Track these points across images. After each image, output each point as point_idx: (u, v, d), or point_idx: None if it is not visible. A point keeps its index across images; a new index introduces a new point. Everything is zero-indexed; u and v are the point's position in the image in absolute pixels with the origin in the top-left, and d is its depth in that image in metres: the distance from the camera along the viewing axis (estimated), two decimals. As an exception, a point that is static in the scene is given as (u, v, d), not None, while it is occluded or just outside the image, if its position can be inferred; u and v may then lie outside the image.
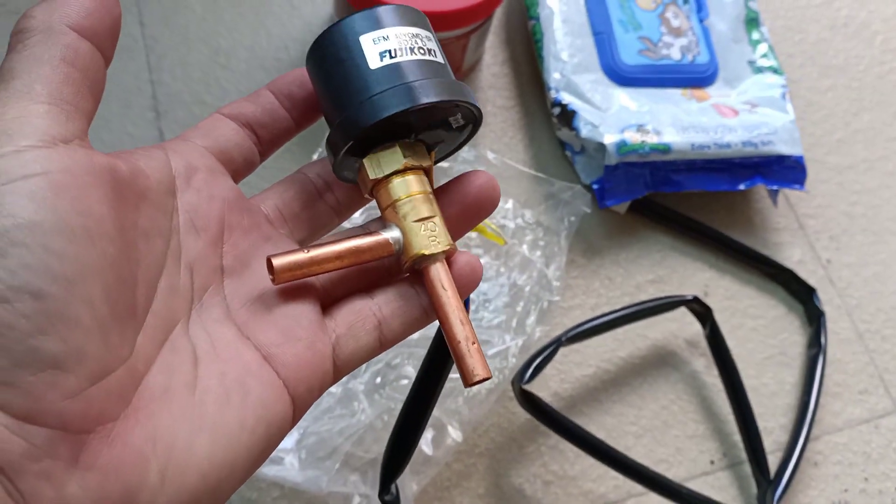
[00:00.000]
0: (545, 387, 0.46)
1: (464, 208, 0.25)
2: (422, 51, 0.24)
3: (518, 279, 0.46)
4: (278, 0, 0.55)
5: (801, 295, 0.49)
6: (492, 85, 0.54)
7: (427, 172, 0.25)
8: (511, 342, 0.44)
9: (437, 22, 0.45)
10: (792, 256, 0.52)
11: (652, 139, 0.48)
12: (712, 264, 0.51)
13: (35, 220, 0.18)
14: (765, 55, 0.55)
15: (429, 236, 0.24)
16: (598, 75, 0.51)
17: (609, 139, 0.47)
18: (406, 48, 0.24)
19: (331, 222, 0.27)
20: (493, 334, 0.44)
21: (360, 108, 0.23)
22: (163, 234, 0.22)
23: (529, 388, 0.40)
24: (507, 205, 0.48)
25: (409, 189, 0.24)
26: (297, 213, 0.26)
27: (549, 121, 0.53)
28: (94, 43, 0.21)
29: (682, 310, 0.47)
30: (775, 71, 0.54)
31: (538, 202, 0.50)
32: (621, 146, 0.47)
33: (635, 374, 0.47)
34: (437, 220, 0.24)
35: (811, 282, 0.51)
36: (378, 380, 0.43)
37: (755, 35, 0.55)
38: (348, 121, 0.23)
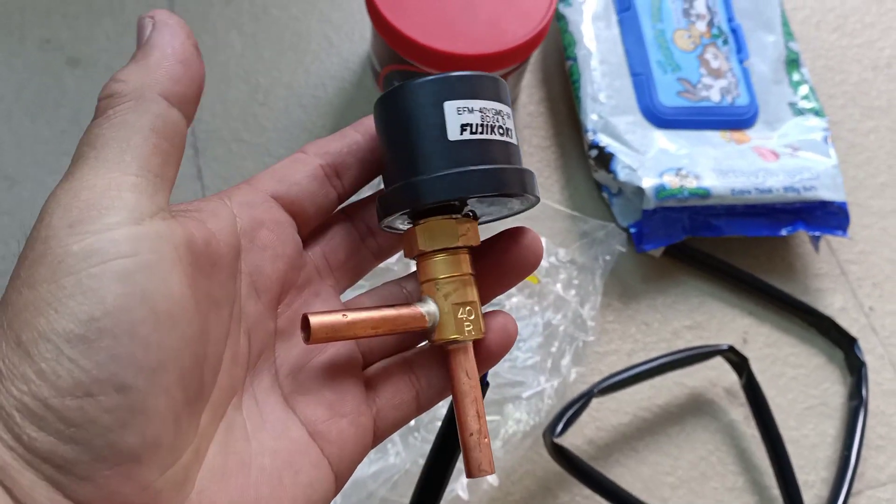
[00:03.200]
0: (580, 434, 0.45)
1: (506, 269, 0.25)
2: (501, 130, 0.24)
3: (552, 318, 0.46)
4: (316, 38, 0.55)
5: (841, 344, 0.48)
6: (528, 124, 0.54)
7: (473, 251, 0.25)
8: (546, 384, 0.43)
9: (476, 64, 0.45)
10: (833, 304, 0.51)
11: (691, 183, 0.47)
12: (751, 311, 0.50)
13: (124, 306, 0.18)
14: (806, 97, 0.54)
15: (465, 321, 0.23)
16: (636, 117, 0.51)
17: (647, 183, 0.47)
18: (489, 125, 0.23)
19: (372, 266, 0.27)
20: (527, 375, 0.44)
21: (430, 179, 0.22)
22: (229, 302, 0.22)
23: (564, 437, 0.39)
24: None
25: (453, 269, 0.24)
26: (342, 262, 0.26)
27: (585, 161, 0.53)
28: (181, 110, 0.21)
29: (720, 358, 0.46)
30: (817, 113, 0.53)
31: (572, 240, 0.49)
32: (660, 191, 0.47)
33: (672, 423, 0.46)
34: (476, 306, 0.24)
35: (853, 330, 0.50)
36: (412, 422, 0.42)
37: (796, 76, 0.55)
38: (413, 188, 0.23)
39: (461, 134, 0.23)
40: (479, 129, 0.23)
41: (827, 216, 0.49)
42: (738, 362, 0.45)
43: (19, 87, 0.51)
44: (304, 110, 0.52)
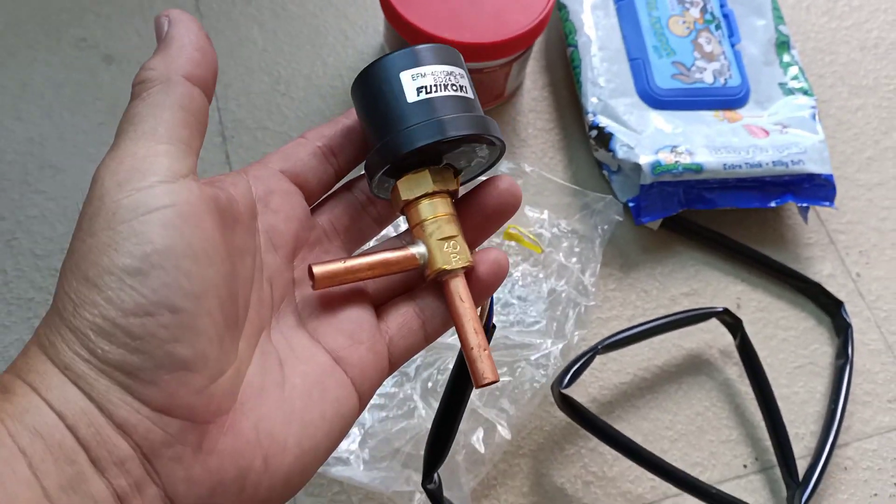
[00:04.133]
0: (584, 393, 0.49)
1: (488, 212, 0.29)
2: (454, 87, 0.27)
3: (556, 285, 0.49)
4: (333, 32, 0.59)
5: (829, 308, 0.52)
6: (532, 108, 0.58)
7: (453, 195, 0.28)
8: (552, 347, 0.47)
9: (482, 52, 0.48)
10: (822, 271, 0.54)
11: (685, 159, 0.51)
12: (744, 278, 0.53)
13: (169, 245, 0.22)
14: (795, 77, 0.57)
15: (451, 253, 0.27)
16: (633, 99, 0.54)
17: (644, 160, 0.50)
18: (441, 85, 0.27)
19: (375, 232, 0.31)
20: (534, 338, 0.47)
21: (396, 137, 0.26)
22: (251, 253, 0.26)
23: (569, 392, 0.43)
24: (543, 215, 0.52)
25: (435, 211, 0.27)
26: (347, 227, 0.30)
27: (587, 142, 0.56)
28: (202, 88, 0.25)
29: (715, 321, 0.50)
30: (805, 92, 0.56)
31: (573, 212, 0.53)
32: (656, 166, 0.50)
33: (671, 382, 0.50)
34: (459, 239, 0.27)
35: (841, 295, 0.53)
36: (430, 384, 0.46)
37: (786, 58, 0.58)
38: (385, 148, 0.26)
39: (418, 95, 0.27)
40: (434, 89, 0.27)
41: (814, 188, 0.52)
42: (733, 323, 0.49)
43: (58, 84, 0.55)
44: (322, 100, 0.56)
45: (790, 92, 0.57)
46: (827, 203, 0.52)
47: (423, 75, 0.27)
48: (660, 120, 0.54)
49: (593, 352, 0.45)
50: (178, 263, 0.22)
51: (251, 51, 0.57)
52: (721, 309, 0.48)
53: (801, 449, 0.49)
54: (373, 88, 0.27)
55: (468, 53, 0.47)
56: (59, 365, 0.21)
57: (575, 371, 0.43)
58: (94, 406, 0.21)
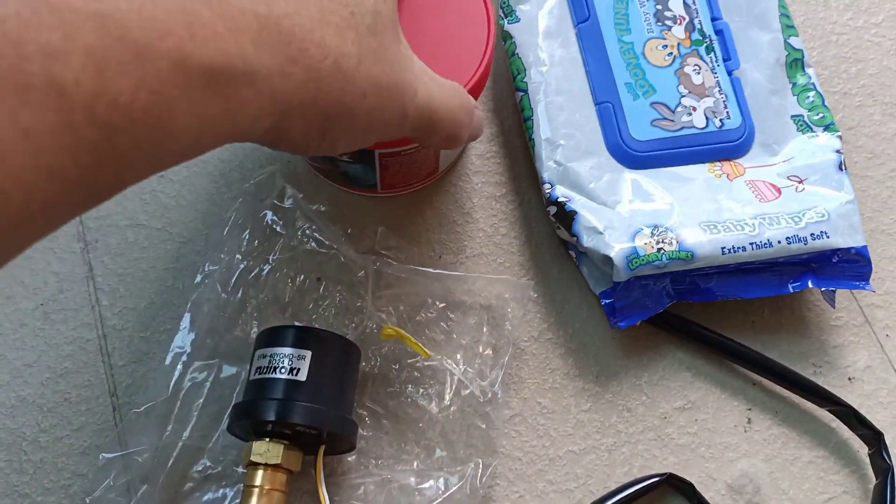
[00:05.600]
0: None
1: None
2: (284, 370, 0.34)
3: (448, 400, 0.39)
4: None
5: (866, 438, 0.40)
6: (478, 169, 0.45)
7: (279, 468, 0.34)
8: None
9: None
10: (857, 362, 0.42)
11: (671, 246, 0.38)
12: (756, 381, 0.42)
13: None
14: (813, 107, 0.44)
15: None
16: (601, 158, 0.42)
17: (617, 250, 0.38)
18: (272, 367, 0.35)
19: None
20: (428, 473, 0.38)
21: (233, 409, 0.35)
22: None
23: None
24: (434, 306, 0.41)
25: (263, 481, 0.34)
26: None
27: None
28: None
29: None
30: (827, 127, 0.44)
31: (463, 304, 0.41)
32: (632, 259, 0.38)
33: (664, 534, 0.39)
34: None
35: (882, 395, 0.41)
36: None
37: (800, 80, 0.45)
38: (231, 413, 0.35)
39: (255, 374, 0.35)
40: (266, 370, 0.35)
41: (843, 265, 0.40)
42: (685, 489, 0.38)
43: None
44: (210, 179, 0.44)
45: (807, 128, 0.44)
46: (861, 284, 0.40)
47: (264, 356, 0.35)
48: (637, 184, 0.41)
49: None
50: None
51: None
52: (665, 475, 0.38)
53: None
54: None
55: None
56: None
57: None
58: None
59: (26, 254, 0.42)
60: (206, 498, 0.37)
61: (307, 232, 0.42)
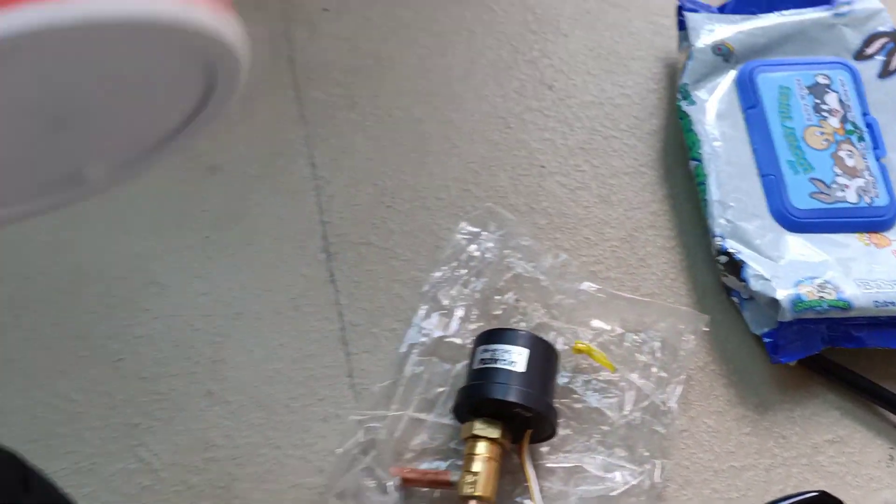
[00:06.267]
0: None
1: None
2: (504, 362, 0.43)
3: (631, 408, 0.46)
4: (437, 139, 0.57)
5: None
6: (651, 224, 0.54)
7: (503, 445, 0.42)
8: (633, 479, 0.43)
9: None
10: None
11: (830, 295, 0.45)
12: (898, 425, 0.47)
13: None
14: (951, 193, 0.51)
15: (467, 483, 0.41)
16: (766, 220, 0.50)
17: (783, 294, 0.45)
18: (494, 359, 0.43)
19: None
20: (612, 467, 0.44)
21: (461, 390, 0.44)
22: None
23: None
24: (614, 328, 0.48)
25: (474, 449, 0.41)
26: None
27: (712, 262, 0.51)
28: None
29: None
30: (964, 211, 0.50)
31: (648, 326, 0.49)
32: (797, 303, 0.45)
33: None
34: (482, 475, 0.41)
35: None
36: None
37: (938, 170, 0.52)
38: (459, 394, 0.44)
39: (479, 364, 0.44)
40: (490, 361, 0.43)
41: (982, 327, 0.46)
42: None
43: (164, 195, 0.54)
44: (429, 213, 0.54)
45: (946, 210, 0.51)
46: None
47: (486, 350, 0.44)
48: (797, 245, 0.49)
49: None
50: None
51: (356, 160, 0.56)
52: (816, 493, 0.43)
53: None
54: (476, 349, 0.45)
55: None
56: None
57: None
58: None
59: (283, 257, 0.52)
60: (423, 466, 0.44)
61: (512, 259, 0.50)
